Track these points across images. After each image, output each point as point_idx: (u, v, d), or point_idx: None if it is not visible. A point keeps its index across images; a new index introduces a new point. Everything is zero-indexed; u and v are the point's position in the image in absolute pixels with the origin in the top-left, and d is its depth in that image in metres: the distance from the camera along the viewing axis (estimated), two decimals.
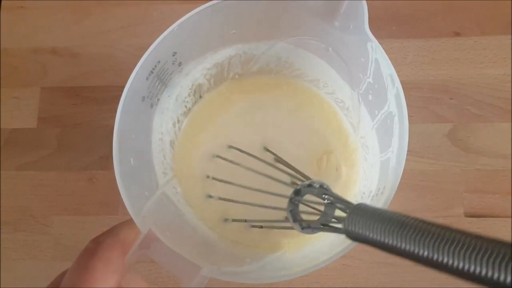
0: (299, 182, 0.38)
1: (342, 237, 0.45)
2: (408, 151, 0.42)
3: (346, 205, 0.33)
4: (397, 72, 0.42)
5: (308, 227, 0.37)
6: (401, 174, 0.40)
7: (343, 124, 0.54)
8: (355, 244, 0.40)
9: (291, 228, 0.38)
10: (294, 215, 0.38)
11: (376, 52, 0.42)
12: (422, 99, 0.58)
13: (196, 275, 0.35)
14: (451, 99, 0.58)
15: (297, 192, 0.38)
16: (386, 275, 0.53)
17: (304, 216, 0.38)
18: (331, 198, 0.36)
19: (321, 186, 0.37)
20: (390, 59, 0.42)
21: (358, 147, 0.53)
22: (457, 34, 0.60)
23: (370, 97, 0.47)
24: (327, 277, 0.53)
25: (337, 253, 0.38)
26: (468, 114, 0.57)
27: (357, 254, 0.54)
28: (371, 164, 0.49)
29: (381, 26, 0.59)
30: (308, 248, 0.49)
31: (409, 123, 0.43)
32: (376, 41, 0.41)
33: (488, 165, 0.55)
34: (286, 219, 0.38)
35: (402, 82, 0.42)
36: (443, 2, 0.61)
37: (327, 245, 0.46)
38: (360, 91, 0.48)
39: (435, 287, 0.52)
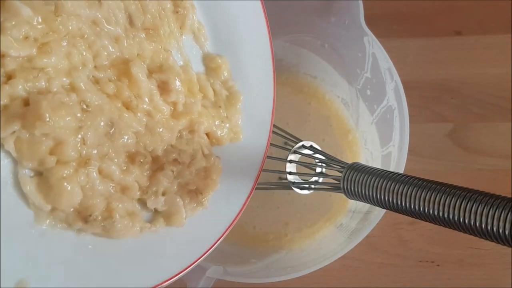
0: (292, 144, 0.41)
1: (345, 236, 0.46)
2: (408, 150, 0.42)
3: (340, 164, 0.34)
4: (397, 71, 0.43)
5: (305, 187, 0.39)
6: (403, 169, 0.41)
7: (344, 119, 0.54)
8: (357, 243, 0.41)
9: (288, 188, 0.40)
10: (292, 176, 0.41)
11: (373, 47, 0.43)
12: (423, 98, 0.58)
13: (202, 276, 0.35)
14: (452, 98, 0.58)
15: (293, 153, 0.41)
16: (387, 276, 0.53)
17: (302, 178, 0.41)
18: (323, 158, 0.39)
19: (312, 145, 0.39)
20: (391, 58, 0.43)
21: (359, 142, 0.53)
22: (458, 33, 0.60)
23: (368, 92, 0.48)
24: (327, 278, 0.54)
25: (340, 252, 0.39)
26: (469, 113, 0.58)
27: (358, 255, 0.54)
28: (372, 159, 0.49)
29: (382, 25, 0.60)
30: (310, 247, 0.49)
31: (410, 122, 0.43)
32: (372, 35, 0.42)
33: (489, 165, 0.56)
34: (282, 181, 0.40)
35: (402, 82, 0.42)
36: (444, 2, 0.61)
37: (330, 244, 0.47)
38: (358, 86, 0.49)
39: (436, 287, 0.53)
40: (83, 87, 0.31)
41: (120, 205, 0.32)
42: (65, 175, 0.29)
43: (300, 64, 0.55)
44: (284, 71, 0.56)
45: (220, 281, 0.40)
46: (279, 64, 0.55)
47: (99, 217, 0.31)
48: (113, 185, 0.33)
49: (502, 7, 0.61)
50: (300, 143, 0.40)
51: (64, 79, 0.30)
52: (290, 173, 0.40)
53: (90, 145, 0.31)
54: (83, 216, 0.31)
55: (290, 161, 0.40)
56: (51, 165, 0.29)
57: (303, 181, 0.40)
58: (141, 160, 0.34)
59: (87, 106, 0.31)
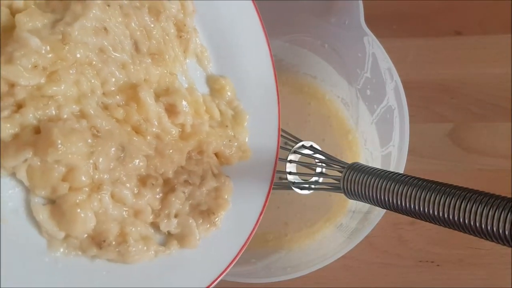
0: (292, 144, 0.41)
1: (345, 236, 0.46)
2: (408, 150, 0.42)
3: (339, 164, 0.35)
4: (397, 71, 0.43)
5: (305, 187, 0.40)
6: (403, 169, 0.41)
7: (344, 119, 0.54)
8: (357, 243, 0.41)
9: (288, 188, 0.40)
10: (292, 176, 0.41)
11: (373, 46, 0.43)
12: (423, 98, 0.58)
13: None
14: (452, 98, 0.58)
15: (293, 153, 0.41)
16: (387, 276, 0.53)
17: (302, 178, 0.41)
18: (323, 158, 0.39)
19: (312, 145, 0.39)
20: (391, 58, 0.43)
21: (359, 142, 0.53)
22: (458, 33, 0.60)
23: (368, 92, 0.48)
24: (327, 278, 0.54)
25: (340, 252, 0.39)
26: (469, 113, 0.58)
27: (358, 255, 0.54)
28: (372, 159, 0.50)
29: (382, 25, 0.60)
30: (310, 247, 0.49)
31: (410, 122, 0.44)
32: (372, 35, 0.42)
33: (489, 165, 0.56)
34: (282, 181, 0.40)
35: (402, 82, 0.42)
36: (444, 2, 0.61)
37: (330, 244, 0.47)
38: (358, 86, 0.49)
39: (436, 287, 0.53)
40: (93, 113, 0.31)
41: (133, 229, 0.32)
42: (78, 201, 0.30)
43: (300, 64, 0.55)
44: (284, 71, 0.56)
45: (220, 281, 0.40)
46: (279, 64, 0.56)
47: (113, 242, 0.31)
48: (126, 209, 0.33)
49: (502, 7, 0.61)
50: (300, 143, 0.40)
51: (74, 106, 0.31)
52: (290, 173, 0.40)
53: (102, 170, 0.31)
54: (97, 242, 0.31)
55: (290, 161, 0.41)
56: (64, 191, 0.30)
57: (303, 181, 0.41)
58: (153, 183, 0.34)
59: (97, 131, 0.31)
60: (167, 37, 0.38)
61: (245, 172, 0.40)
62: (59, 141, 0.28)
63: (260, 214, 0.38)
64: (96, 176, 0.31)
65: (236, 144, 0.40)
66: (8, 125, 0.28)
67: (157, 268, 0.33)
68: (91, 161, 0.30)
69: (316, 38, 0.51)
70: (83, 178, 0.30)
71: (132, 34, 0.35)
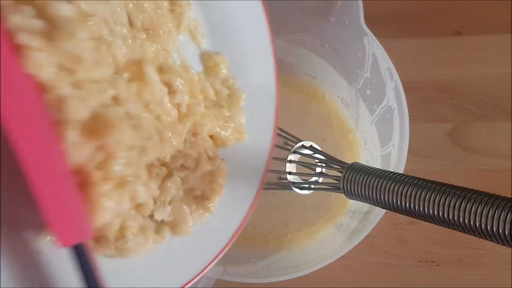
0: (292, 144, 0.41)
1: (345, 236, 0.46)
2: (408, 150, 0.42)
3: (339, 164, 0.35)
4: (397, 71, 0.43)
5: (305, 187, 0.40)
6: (403, 169, 0.41)
7: (344, 119, 0.54)
8: (357, 243, 0.41)
9: (288, 188, 0.40)
10: (292, 176, 0.41)
11: (372, 47, 0.43)
12: (423, 98, 0.58)
13: (202, 276, 0.35)
14: (452, 98, 0.58)
15: (293, 153, 0.41)
16: (387, 276, 0.53)
17: (302, 178, 0.41)
18: (323, 158, 0.39)
19: (312, 145, 0.39)
20: (391, 58, 0.43)
21: (359, 142, 0.53)
22: (458, 33, 0.60)
23: (368, 92, 0.48)
24: (327, 278, 0.54)
25: (340, 252, 0.39)
26: (469, 113, 0.58)
27: (358, 255, 0.54)
28: (372, 159, 0.50)
29: (382, 25, 0.60)
30: (310, 247, 0.49)
31: (410, 122, 0.44)
32: (372, 35, 0.42)
33: (489, 165, 0.56)
34: (282, 181, 0.40)
35: (402, 82, 0.42)
36: (444, 2, 0.61)
37: (330, 244, 0.47)
38: (358, 87, 0.49)
39: (436, 287, 0.53)
40: (125, 98, 0.28)
41: (133, 223, 0.30)
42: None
43: (300, 64, 0.55)
44: (284, 71, 0.56)
45: (220, 281, 0.40)
46: (279, 64, 0.55)
47: (111, 238, 0.29)
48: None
49: (502, 7, 0.61)
50: (300, 143, 0.40)
51: (111, 90, 0.28)
52: (290, 173, 0.40)
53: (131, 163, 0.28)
54: (95, 237, 0.29)
55: (290, 161, 0.41)
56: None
57: (303, 181, 0.41)
58: (157, 173, 0.32)
59: (134, 119, 0.28)
60: (159, 11, 0.34)
61: (240, 155, 0.38)
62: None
63: (255, 198, 0.36)
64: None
65: (232, 125, 0.37)
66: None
67: (148, 257, 0.32)
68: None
69: (316, 38, 0.51)
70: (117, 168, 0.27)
71: (126, 6, 0.32)
